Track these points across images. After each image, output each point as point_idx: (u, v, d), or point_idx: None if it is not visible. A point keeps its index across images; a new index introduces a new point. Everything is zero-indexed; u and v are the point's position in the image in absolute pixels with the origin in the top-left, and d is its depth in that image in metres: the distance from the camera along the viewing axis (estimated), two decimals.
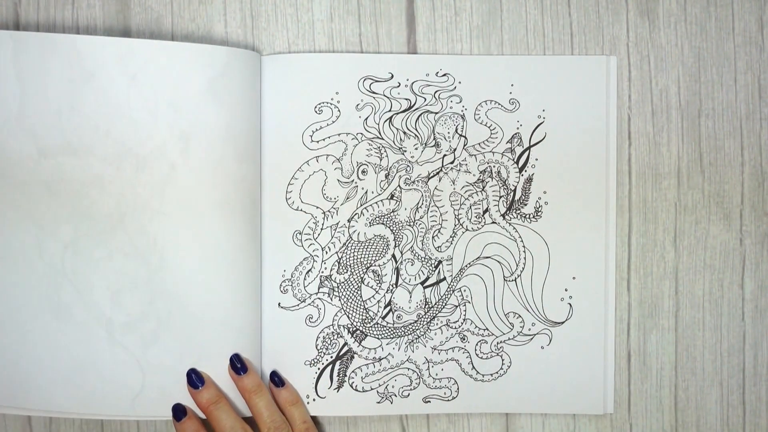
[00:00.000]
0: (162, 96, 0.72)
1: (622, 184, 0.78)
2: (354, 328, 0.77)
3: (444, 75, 0.77)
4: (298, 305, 0.77)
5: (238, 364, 0.74)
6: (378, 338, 0.77)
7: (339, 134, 0.76)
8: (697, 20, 0.78)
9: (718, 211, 0.78)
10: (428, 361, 0.78)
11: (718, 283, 0.79)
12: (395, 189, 0.77)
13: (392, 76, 0.76)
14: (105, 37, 0.73)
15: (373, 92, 0.76)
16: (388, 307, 0.77)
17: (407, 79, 0.76)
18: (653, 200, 0.78)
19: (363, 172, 0.76)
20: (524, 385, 0.78)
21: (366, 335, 0.77)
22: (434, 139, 0.76)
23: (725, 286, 0.79)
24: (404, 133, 0.76)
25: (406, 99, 0.76)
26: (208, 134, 0.73)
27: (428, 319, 0.77)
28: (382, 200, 0.77)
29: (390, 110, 0.76)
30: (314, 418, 0.79)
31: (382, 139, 0.76)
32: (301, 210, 0.76)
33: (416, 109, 0.76)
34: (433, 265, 0.77)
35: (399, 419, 0.79)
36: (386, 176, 0.77)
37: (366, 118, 0.76)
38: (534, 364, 0.78)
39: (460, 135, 0.77)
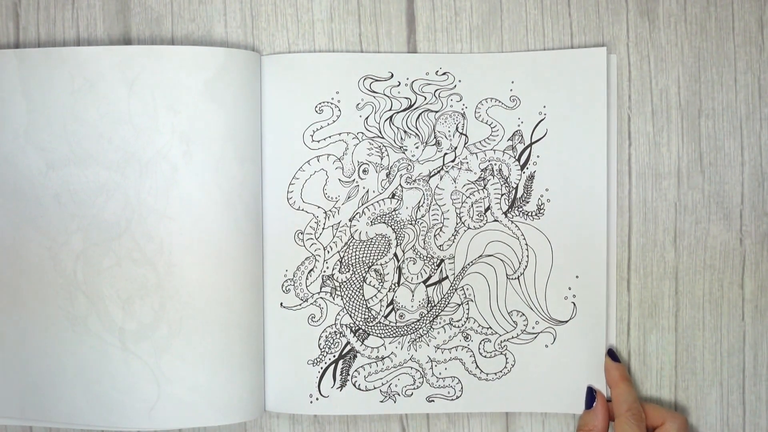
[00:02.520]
0: (161, 100, 0.72)
1: (622, 184, 0.78)
2: (356, 327, 0.77)
3: (444, 74, 0.77)
4: (300, 305, 0.77)
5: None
6: (381, 337, 0.77)
7: (340, 134, 0.76)
8: (697, 20, 0.78)
9: (718, 211, 0.78)
10: (431, 360, 0.77)
11: (718, 283, 0.79)
12: (396, 188, 0.77)
13: (392, 76, 0.76)
14: (104, 47, 0.73)
15: (374, 91, 0.76)
16: (391, 306, 0.77)
17: (407, 78, 0.76)
18: (653, 200, 0.78)
19: (364, 171, 0.76)
20: (527, 384, 0.78)
21: (368, 334, 0.77)
22: (435, 137, 0.76)
23: (725, 286, 0.79)
24: (405, 132, 0.76)
25: (407, 98, 0.76)
26: (208, 135, 0.73)
27: (431, 318, 0.77)
28: (383, 199, 0.77)
29: (390, 109, 0.76)
30: (316, 418, 0.78)
31: (383, 138, 0.76)
32: (303, 210, 0.76)
33: (417, 108, 0.76)
34: (435, 264, 0.77)
35: (399, 419, 0.79)
36: (387, 175, 0.76)
37: (366, 118, 0.76)
38: (537, 362, 0.77)
39: (461, 133, 0.76)
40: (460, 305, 0.77)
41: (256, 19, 0.78)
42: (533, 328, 0.77)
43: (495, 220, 0.77)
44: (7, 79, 0.73)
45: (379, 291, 0.77)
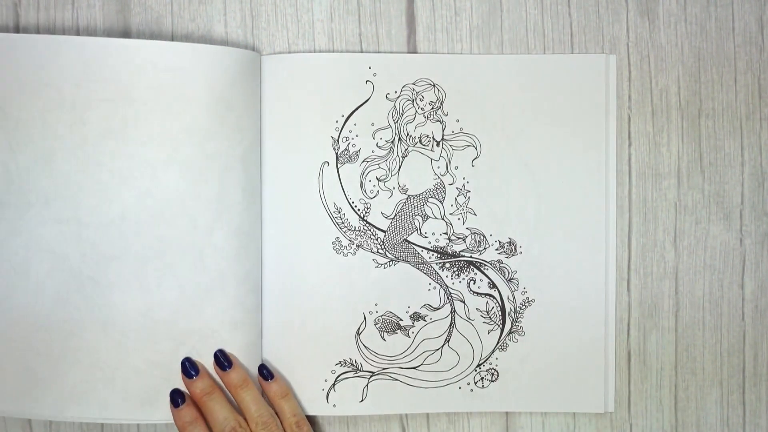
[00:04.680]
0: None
1: (622, 184, 0.78)
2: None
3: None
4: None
5: (222, 360, 0.74)
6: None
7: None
8: (697, 20, 0.78)
9: (718, 211, 0.78)
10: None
11: (718, 283, 0.79)
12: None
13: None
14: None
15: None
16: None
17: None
18: (653, 200, 0.78)
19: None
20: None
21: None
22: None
23: (725, 286, 0.79)
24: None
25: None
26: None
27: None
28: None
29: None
30: (315, 418, 0.79)
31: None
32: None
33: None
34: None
35: (399, 419, 0.79)
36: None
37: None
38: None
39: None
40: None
41: (256, 19, 0.78)
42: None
43: None
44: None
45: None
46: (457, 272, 0.77)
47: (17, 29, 0.77)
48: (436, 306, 0.77)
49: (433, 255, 0.76)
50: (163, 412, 0.74)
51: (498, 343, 0.77)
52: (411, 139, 0.76)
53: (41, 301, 0.74)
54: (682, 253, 0.79)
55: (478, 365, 0.77)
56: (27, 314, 0.74)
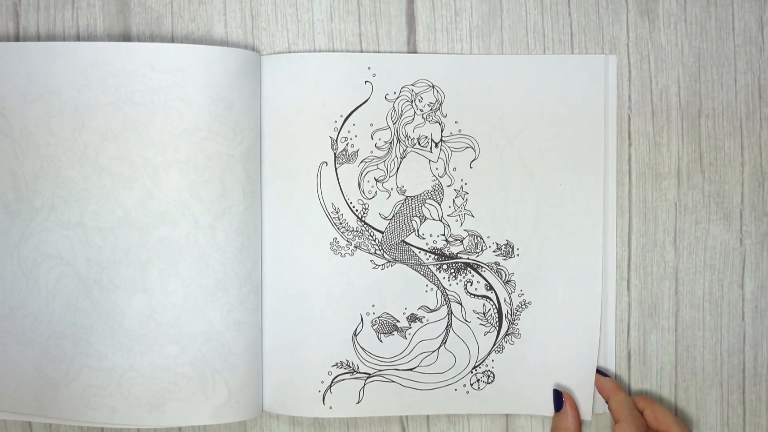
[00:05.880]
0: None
1: (622, 184, 0.78)
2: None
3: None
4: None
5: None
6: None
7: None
8: (697, 20, 0.77)
9: (718, 211, 0.78)
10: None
11: (718, 283, 0.79)
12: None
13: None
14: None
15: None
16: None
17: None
18: (653, 200, 0.78)
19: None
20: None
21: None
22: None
23: (725, 286, 0.79)
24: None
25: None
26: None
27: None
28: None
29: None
30: (316, 419, 0.79)
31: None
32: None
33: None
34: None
35: (399, 419, 0.79)
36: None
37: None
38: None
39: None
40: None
41: (256, 19, 0.78)
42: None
43: None
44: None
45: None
46: (454, 274, 0.77)
47: (17, 29, 0.77)
48: (433, 308, 0.77)
49: (430, 256, 0.77)
50: (171, 418, 0.74)
51: (494, 345, 0.78)
52: (409, 140, 0.76)
53: (52, 307, 0.74)
54: (682, 253, 0.78)
55: (474, 367, 0.78)
56: (39, 320, 0.74)
